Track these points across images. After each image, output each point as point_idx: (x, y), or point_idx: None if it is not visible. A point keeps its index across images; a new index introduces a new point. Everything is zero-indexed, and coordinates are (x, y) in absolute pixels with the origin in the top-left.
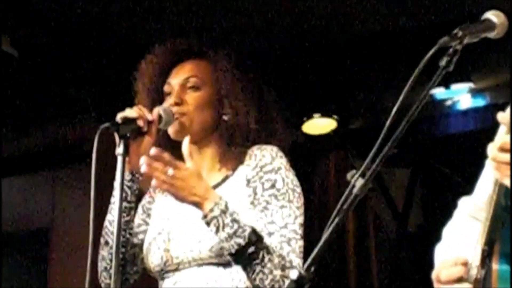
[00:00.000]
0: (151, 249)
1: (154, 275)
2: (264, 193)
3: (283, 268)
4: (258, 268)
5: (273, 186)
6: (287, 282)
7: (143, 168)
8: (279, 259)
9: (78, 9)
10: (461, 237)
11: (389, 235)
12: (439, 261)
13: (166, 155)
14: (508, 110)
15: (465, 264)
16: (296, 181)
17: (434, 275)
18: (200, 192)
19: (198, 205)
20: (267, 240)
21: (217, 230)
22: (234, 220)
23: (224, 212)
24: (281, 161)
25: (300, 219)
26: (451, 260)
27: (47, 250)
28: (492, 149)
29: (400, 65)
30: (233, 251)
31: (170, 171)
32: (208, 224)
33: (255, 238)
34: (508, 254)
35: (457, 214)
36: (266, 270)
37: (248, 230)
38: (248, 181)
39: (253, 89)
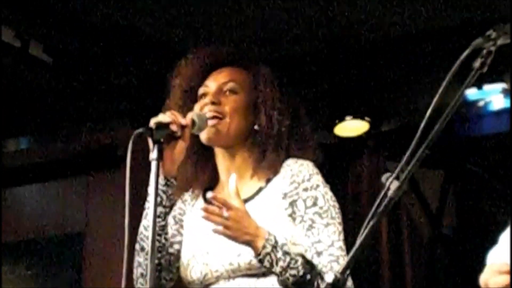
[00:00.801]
0: (190, 263)
1: (192, 287)
2: (307, 211)
3: None
4: None
5: (315, 204)
6: (323, 285)
7: (202, 215)
8: None
9: (112, 15)
10: None
11: (423, 237)
12: (488, 265)
13: (221, 197)
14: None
15: (508, 272)
16: (333, 197)
17: (482, 281)
18: (251, 231)
19: (250, 243)
20: (316, 260)
21: (271, 266)
22: (286, 253)
23: (275, 247)
24: (318, 177)
25: (343, 234)
26: (497, 265)
27: (81, 255)
28: None
29: (432, 67)
30: (289, 283)
31: (225, 213)
32: (261, 261)
33: (309, 267)
34: None
35: None
36: None
37: (300, 260)
38: (285, 194)
39: (288, 101)
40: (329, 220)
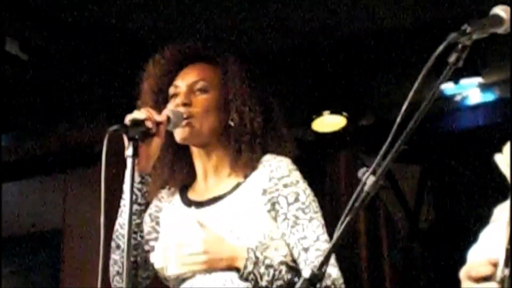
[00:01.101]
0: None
1: (168, 283)
2: (290, 208)
3: (325, 285)
4: None
5: (297, 199)
6: (301, 280)
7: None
8: None
9: (87, 12)
10: (494, 240)
11: (400, 231)
12: (470, 261)
13: (172, 244)
14: None
15: (495, 264)
16: (312, 192)
17: (463, 273)
18: (226, 255)
19: (230, 267)
20: (303, 256)
21: (256, 282)
22: (268, 266)
23: (256, 263)
24: (297, 173)
25: (325, 227)
26: (482, 260)
27: (59, 252)
28: None
29: (409, 62)
30: None
31: (185, 252)
32: (246, 280)
33: (293, 272)
34: None
35: (493, 219)
36: None
37: (284, 268)
38: (265, 190)
39: (260, 96)
40: (312, 214)
